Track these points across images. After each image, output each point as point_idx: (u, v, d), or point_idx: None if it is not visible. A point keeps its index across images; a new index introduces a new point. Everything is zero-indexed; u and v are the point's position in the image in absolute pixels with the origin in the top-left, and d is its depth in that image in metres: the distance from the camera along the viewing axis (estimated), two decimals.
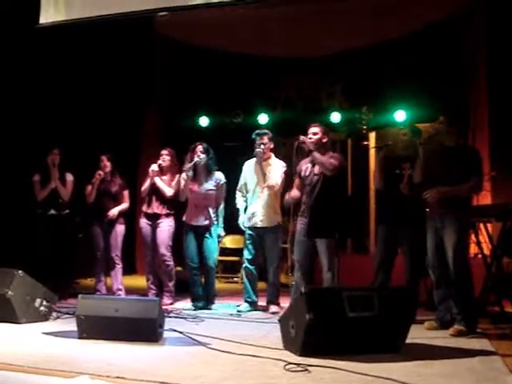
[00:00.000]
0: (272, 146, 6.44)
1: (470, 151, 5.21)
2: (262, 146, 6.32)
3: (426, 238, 5.28)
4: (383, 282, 5.60)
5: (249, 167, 6.51)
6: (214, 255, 6.48)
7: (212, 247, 6.42)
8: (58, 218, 6.98)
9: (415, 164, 5.28)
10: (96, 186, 6.92)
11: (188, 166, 6.31)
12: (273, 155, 6.46)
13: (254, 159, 6.45)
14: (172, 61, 10.05)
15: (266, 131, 6.48)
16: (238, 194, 6.54)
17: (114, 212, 6.95)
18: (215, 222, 6.43)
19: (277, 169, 6.35)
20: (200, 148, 6.40)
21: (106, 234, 6.96)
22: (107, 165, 7.03)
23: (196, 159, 6.34)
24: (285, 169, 6.34)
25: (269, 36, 8.91)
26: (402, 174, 5.64)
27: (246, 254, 6.40)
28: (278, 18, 8.23)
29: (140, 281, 7.85)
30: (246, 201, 6.49)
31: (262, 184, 6.33)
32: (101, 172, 6.95)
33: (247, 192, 6.48)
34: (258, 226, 6.31)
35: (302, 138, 5.76)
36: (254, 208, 6.35)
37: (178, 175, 6.67)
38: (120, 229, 7.02)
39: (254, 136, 6.41)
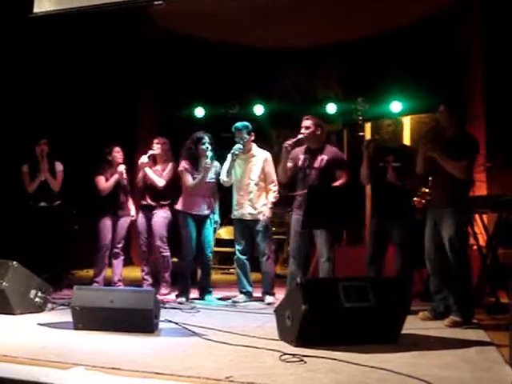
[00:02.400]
0: (252, 137, 6.38)
1: (467, 139, 5.18)
2: (242, 142, 6.24)
3: (416, 228, 5.30)
4: (376, 274, 5.61)
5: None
6: (211, 244, 6.49)
7: (210, 237, 6.44)
8: (49, 209, 6.95)
9: (417, 155, 5.26)
10: (117, 180, 6.87)
11: (207, 162, 6.23)
12: (254, 145, 6.41)
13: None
14: (168, 51, 10.00)
15: (245, 124, 6.34)
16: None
17: (134, 213, 7.01)
18: (215, 211, 6.44)
19: (261, 161, 6.32)
20: (208, 140, 6.36)
21: (114, 226, 6.94)
22: (122, 156, 6.99)
23: (209, 154, 6.27)
24: (270, 158, 6.35)
25: (265, 27, 8.88)
26: (385, 166, 5.65)
27: (237, 245, 6.40)
28: (274, 9, 8.20)
29: (136, 272, 7.84)
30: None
31: (248, 178, 6.31)
32: (124, 165, 6.88)
33: (231, 179, 6.39)
34: (247, 218, 6.29)
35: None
36: (241, 200, 6.31)
37: (170, 164, 6.65)
38: (128, 221, 7.03)
39: (233, 130, 6.34)
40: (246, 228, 6.33)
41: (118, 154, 6.95)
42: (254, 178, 6.29)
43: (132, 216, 6.98)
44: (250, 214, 6.27)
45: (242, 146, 6.24)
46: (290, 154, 5.93)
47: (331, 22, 8.73)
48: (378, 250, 5.69)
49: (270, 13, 8.33)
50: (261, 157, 6.34)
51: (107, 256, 6.91)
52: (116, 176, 6.84)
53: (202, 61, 9.68)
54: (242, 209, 6.30)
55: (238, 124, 6.36)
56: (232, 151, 6.23)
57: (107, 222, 6.88)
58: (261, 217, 6.24)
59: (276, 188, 6.29)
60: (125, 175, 6.85)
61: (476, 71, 8.50)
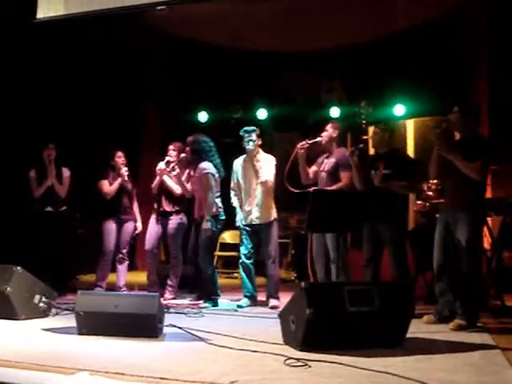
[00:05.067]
0: (260, 142, 6.44)
1: (480, 140, 5.15)
2: (252, 143, 6.32)
3: (419, 232, 5.30)
4: (372, 275, 5.62)
5: (239, 165, 6.49)
6: (202, 252, 6.29)
7: (201, 244, 6.29)
8: (55, 214, 6.95)
9: (430, 159, 5.23)
10: (121, 183, 6.89)
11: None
12: (261, 150, 6.47)
13: (243, 157, 6.45)
14: (171, 56, 10.02)
15: (254, 128, 6.43)
16: (232, 193, 6.53)
17: (139, 223, 7.06)
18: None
19: (267, 164, 6.36)
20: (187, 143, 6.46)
21: (119, 230, 6.95)
22: (124, 161, 6.99)
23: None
24: (275, 162, 6.38)
25: (268, 31, 8.88)
26: (377, 173, 5.67)
27: (242, 249, 6.42)
28: (277, 13, 8.20)
29: (140, 277, 7.84)
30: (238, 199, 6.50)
31: (255, 181, 6.33)
32: (126, 168, 6.90)
33: (240, 190, 6.46)
34: (254, 223, 6.32)
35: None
36: (249, 206, 6.35)
37: (187, 170, 6.66)
38: (133, 225, 7.03)
39: (241, 133, 6.41)
40: (253, 233, 6.35)
41: (119, 158, 6.97)
42: (259, 183, 6.31)
43: (137, 226, 7.02)
44: (256, 217, 6.30)
45: (253, 147, 6.31)
46: (304, 157, 6.01)
47: (334, 26, 8.73)
48: (374, 254, 5.73)
49: (273, 17, 8.33)
50: (265, 161, 6.38)
51: (111, 260, 6.92)
52: (119, 180, 6.85)
53: (206, 65, 9.69)
54: (250, 215, 6.33)
55: (248, 127, 6.44)
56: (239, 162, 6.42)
57: (111, 227, 6.89)
58: (267, 221, 6.28)
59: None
60: (126, 178, 6.85)
61: (481, 73, 8.48)
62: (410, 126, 9.29)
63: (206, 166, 6.27)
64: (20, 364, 3.53)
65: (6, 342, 4.24)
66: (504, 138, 7.52)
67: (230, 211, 6.54)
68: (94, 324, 4.46)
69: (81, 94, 8.45)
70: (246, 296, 6.32)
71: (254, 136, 6.35)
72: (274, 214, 6.35)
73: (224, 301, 6.49)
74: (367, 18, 8.47)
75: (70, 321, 4.69)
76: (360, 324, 4.10)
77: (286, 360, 3.69)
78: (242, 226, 6.41)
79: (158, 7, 5.78)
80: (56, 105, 8.07)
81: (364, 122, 9.65)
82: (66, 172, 7.09)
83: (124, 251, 6.97)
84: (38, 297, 5.22)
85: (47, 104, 7.93)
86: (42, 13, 6.04)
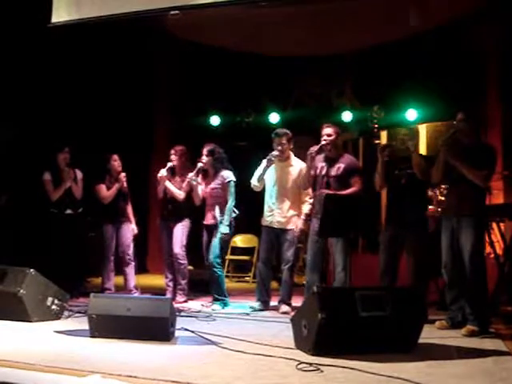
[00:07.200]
0: (291, 146, 6.35)
1: (485, 148, 5.16)
2: (280, 148, 6.21)
3: (429, 238, 5.27)
4: (389, 284, 5.56)
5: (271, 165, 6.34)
6: (215, 253, 6.31)
7: (215, 245, 6.32)
8: (73, 217, 6.97)
9: (434, 164, 5.22)
10: (119, 187, 6.92)
11: (191, 175, 6.41)
12: (292, 155, 6.37)
13: (274, 154, 6.25)
14: (183, 60, 10.05)
15: (285, 131, 6.32)
16: (255, 188, 6.40)
17: (134, 225, 7.07)
18: (221, 221, 6.32)
19: (297, 171, 6.24)
20: (204, 152, 6.46)
21: (117, 233, 6.98)
22: (120, 164, 7.03)
23: (198, 165, 6.44)
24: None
25: (279, 35, 8.89)
26: (401, 174, 5.63)
27: (261, 253, 6.38)
28: (289, 17, 8.21)
29: (152, 280, 7.86)
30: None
31: (282, 186, 6.24)
32: (124, 174, 6.93)
33: (263, 184, 6.36)
34: (276, 226, 6.26)
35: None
36: (272, 207, 6.27)
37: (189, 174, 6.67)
38: (131, 227, 7.05)
39: (273, 136, 6.31)
40: (274, 236, 6.29)
41: (115, 162, 7.00)
42: (287, 187, 6.24)
43: (133, 229, 7.05)
44: (278, 222, 6.23)
45: (278, 153, 6.22)
46: (313, 162, 5.95)
47: (346, 30, 8.73)
48: (391, 260, 5.61)
49: (285, 21, 8.34)
50: (297, 167, 6.27)
51: (113, 262, 6.95)
52: (117, 185, 6.89)
53: (218, 69, 9.71)
54: (272, 216, 6.27)
55: (279, 130, 6.37)
56: (268, 157, 6.21)
57: (110, 230, 6.93)
58: (290, 226, 6.20)
59: (311, 200, 6.19)
60: (125, 184, 6.89)
61: (492, 78, 8.46)
62: (423, 131, 9.26)
63: (229, 174, 6.40)
64: (32, 366, 3.55)
65: (18, 344, 4.26)
66: None
67: (244, 214, 6.54)
68: (106, 327, 4.47)
69: (92, 98, 8.47)
70: (258, 300, 6.30)
71: (284, 140, 6.26)
72: (301, 223, 6.23)
73: (234, 303, 6.51)
74: (380, 23, 8.46)
75: (83, 323, 4.71)
76: (372, 329, 4.09)
77: (298, 364, 3.70)
78: (264, 226, 6.35)
79: (172, 12, 5.79)
80: (67, 108, 8.10)
81: (376, 126, 9.63)
82: (79, 174, 7.11)
83: (129, 253, 6.98)
84: (50, 299, 5.24)
85: (58, 108, 7.96)
86: (57, 17, 6.08)
